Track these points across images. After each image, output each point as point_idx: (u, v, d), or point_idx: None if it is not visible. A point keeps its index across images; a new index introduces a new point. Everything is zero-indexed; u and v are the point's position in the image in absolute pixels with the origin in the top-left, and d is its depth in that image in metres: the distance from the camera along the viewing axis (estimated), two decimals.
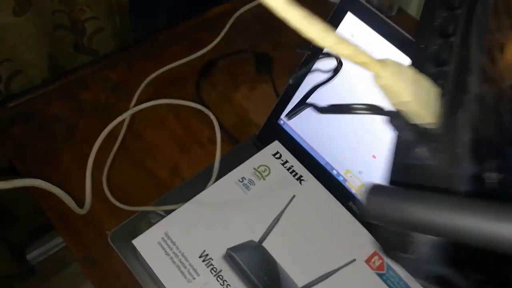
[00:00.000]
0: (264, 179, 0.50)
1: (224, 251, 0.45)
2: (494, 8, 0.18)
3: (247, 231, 0.46)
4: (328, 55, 0.29)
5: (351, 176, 0.52)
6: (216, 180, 0.50)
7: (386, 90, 0.17)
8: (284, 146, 0.54)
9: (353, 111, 0.17)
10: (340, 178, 0.53)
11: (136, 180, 0.55)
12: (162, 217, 0.48)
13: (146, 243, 0.45)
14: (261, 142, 0.56)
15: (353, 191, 0.52)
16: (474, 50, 0.17)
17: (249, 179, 0.50)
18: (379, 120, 0.52)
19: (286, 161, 0.52)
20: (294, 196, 0.49)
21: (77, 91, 0.62)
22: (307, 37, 0.15)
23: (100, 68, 0.64)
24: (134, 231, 0.48)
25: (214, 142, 0.58)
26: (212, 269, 0.44)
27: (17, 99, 0.60)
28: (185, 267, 0.44)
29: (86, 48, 0.65)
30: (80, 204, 0.51)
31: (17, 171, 0.55)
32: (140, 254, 0.44)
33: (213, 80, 0.65)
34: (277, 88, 0.64)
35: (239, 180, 0.49)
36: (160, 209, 0.49)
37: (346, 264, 0.46)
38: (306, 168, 0.52)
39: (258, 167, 0.51)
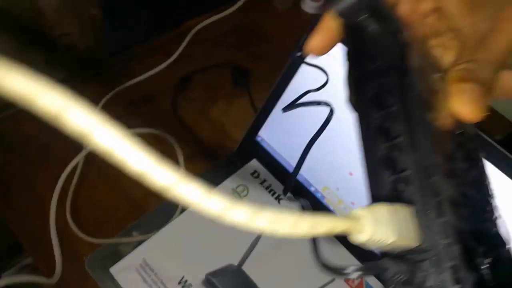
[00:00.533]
0: (242, 199, 0.50)
1: (203, 276, 0.44)
2: (422, 95, 0.18)
3: (226, 255, 0.46)
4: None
5: (329, 193, 0.52)
6: (185, 208, 0.49)
7: (370, 243, 0.16)
8: (263, 164, 0.54)
9: (349, 276, 0.16)
10: (318, 195, 0.53)
11: (110, 201, 0.54)
12: (140, 241, 0.48)
13: (123, 271, 0.44)
14: (239, 159, 0.56)
15: (332, 207, 0.52)
16: (425, 148, 0.17)
17: None
18: (356, 138, 0.52)
19: (265, 180, 0.52)
20: None
21: None
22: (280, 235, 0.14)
23: (73, 85, 0.62)
24: (112, 256, 0.47)
25: (191, 159, 0.57)
26: None
27: None
28: None
29: (58, 65, 0.63)
30: None
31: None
32: (118, 282, 0.44)
33: (190, 95, 0.64)
34: (255, 103, 0.63)
35: None
36: (132, 240, 0.48)
37: (326, 284, 0.46)
38: (285, 186, 0.52)
39: (237, 187, 0.51)
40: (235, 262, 0.46)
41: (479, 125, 0.20)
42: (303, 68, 0.52)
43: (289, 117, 0.54)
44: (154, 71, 0.64)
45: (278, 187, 0.51)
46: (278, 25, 0.74)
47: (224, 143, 0.60)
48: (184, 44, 0.67)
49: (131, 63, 0.66)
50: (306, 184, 0.53)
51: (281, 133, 0.55)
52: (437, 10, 0.23)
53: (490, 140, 0.40)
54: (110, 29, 0.67)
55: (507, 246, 0.20)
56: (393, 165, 0.18)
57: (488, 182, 0.21)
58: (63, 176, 0.54)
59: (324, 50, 0.23)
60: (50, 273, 0.49)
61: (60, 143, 0.58)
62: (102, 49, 0.66)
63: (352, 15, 0.20)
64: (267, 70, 0.67)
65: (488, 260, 0.17)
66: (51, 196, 0.53)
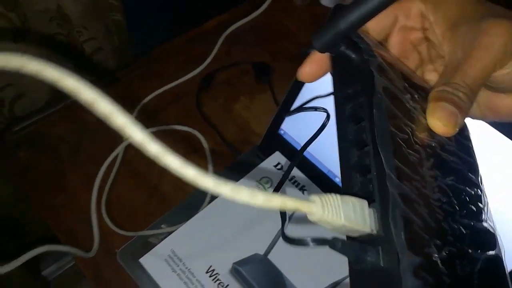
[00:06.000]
0: (266, 191, 0.51)
1: (230, 265, 0.45)
2: (388, 112, 0.21)
3: (252, 245, 0.47)
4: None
5: None
6: (210, 200, 0.51)
7: (321, 222, 0.19)
8: (286, 156, 0.54)
9: (305, 245, 0.19)
10: None
11: (140, 196, 0.56)
12: (169, 233, 0.49)
13: (153, 261, 0.46)
14: (263, 153, 0.57)
15: None
16: (384, 154, 0.20)
17: None
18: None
19: None
20: None
21: (79, 111, 0.63)
22: (239, 201, 0.17)
23: (101, 87, 0.64)
24: (142, 249, 0.49)
25: (217, 154, 0.58)
26: (219, 284, 0.44)
27: (21, 123, 0.61)
28: (192, 283, 0.44)
29: (86, 68, 0.66)
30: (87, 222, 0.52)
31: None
32: (148, 272, 0.45)
33: (213, 93, 0.65)
34: (277, 98, 0.64)
35: None
36: (161, 232, 0.50)
37: None
38: (308, 177, 0.52)
39: (260, 180, 0.51)
40: (261, 252, 0.46)
41: None
42: None
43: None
44: (189, 76, 0.65)
45: (302, 178, 0.52)
46: (297, 20, 0.74)
47: (248, 138, 0.61)
48: (216, 48, 0.68)
49: (155, 64, 0.68)
50: (330, 175, 0.53)
51: (303, 126, 0.55)
52: (427, 40, 0.26)
53: None
54: (134, 32, 0.69)
55: (487, 252, 0.22)
56: (362, 170, 0.21)
57: (471, 192, 0.24)
58: (100, 174, 0.56)
59: (314, 77, 0.26)
60: (87, 265, 0.51)
61: (90, 144, 0.60)
62: (127, 52, 0.69)
63: (331, 48, 0.23)
64: (288, 65, 0.67)
65: (442, 252, 0.20)
66: (84, 193, 0.55)
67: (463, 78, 0.22)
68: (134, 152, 0.59)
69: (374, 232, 0.20)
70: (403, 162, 0.21)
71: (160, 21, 0.74)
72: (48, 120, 0.62)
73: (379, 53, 0.23)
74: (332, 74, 0.25)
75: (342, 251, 0.20)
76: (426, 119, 0.22)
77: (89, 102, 0.14)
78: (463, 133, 0.27)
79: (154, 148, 0.15)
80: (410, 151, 0.21)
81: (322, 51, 0.23)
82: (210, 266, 0.45)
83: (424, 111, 0.23)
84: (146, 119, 0.61)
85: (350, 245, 0.20)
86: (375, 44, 0.25)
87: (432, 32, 0.25)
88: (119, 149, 0.58)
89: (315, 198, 0.19)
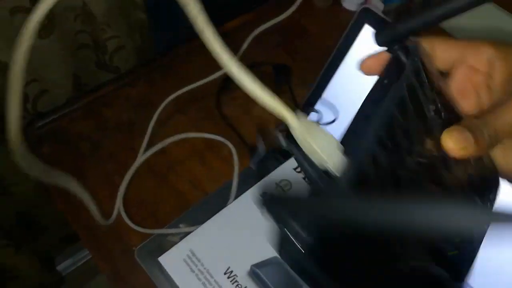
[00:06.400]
0: (286, 193, 0.50)
1: (248, 267, 0.45)
2: (400, 100, 0.23)
3: (271, 247, 0.46)
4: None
5: None
6: (235, 200, 0.51)
7: (299, 141, 0.22)
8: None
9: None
10: None
11: (159, 195, 0.56)
12: (187, 232, 0.49)
13: (171, 260, 0.46)
14: (282, 155, 0.56)
15: None
16: (375, 122, 0.22)
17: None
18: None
19: None
20: None
21: (100, 108, 0.63)
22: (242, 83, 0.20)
23: (122, 85, 0.65)
24: (160, 247, 0.49)
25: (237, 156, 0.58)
26: (237, 285, 0.44)
27: (44, 119, 0.62)
28: (210, 284, 0.44)
29: (108, 65, 0.66)
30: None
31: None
32: (166, 271, 0.45)
33: (233, 94, 0.65)
34: (296, 100, 0.64)
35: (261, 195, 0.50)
36: (179, 231, 0.50)
37: None
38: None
39: (280, 182, 0.51)
40: None
41: None
42: (342, 68, 0.52)
43: (329, 115, 0.54)
44: (212, 77, 0.65)
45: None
46: (319, 22, 0.74)
47: (266, 139, 0.61)
48: (243, 49, 0.68)
49: (177, 64, 0.68)
50: None
51: None
52: (488, 87, 0.27)
53: None
54: (156, 31, 0.70)
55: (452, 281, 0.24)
56: (359, 136, 0.23)
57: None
58: (129, 175, 0.56)
59: (371, 71, 0.28)
60: (104, 261, 0.52)
61: (110, 141, 0.60)
62: (149, 50, 0.69)
63: (387, 45, 0.26)
64: (307, 67, 0.67)
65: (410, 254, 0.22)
66: (103, 190, 0.56)
67: (494, 119, 0.24)
68: (154, 151, 0.59)
69: (332, 170, 0.22)
70: (388, 135, 0.22)
71: (182, 20, 0.74)
72: (70, 117, 0.62)
73: (437, 84, 0.26)
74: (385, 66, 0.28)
75: (295, 154, 0.22)
76: (440, 135, 0.24)
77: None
78: (491, 195, 0.28)
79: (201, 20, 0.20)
80: (400, 133, 0.23)
81: (380, 45, 0.27)
82: (229, 268, 0.45)
83: (443, 129, 0.24)
84: (167, 119, 0.61)
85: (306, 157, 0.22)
86: (435, 72, 0.27)
87: (493, 78, 0.26)
88: (142, 151, 0.58)
89: (302, 115, 0.22)
